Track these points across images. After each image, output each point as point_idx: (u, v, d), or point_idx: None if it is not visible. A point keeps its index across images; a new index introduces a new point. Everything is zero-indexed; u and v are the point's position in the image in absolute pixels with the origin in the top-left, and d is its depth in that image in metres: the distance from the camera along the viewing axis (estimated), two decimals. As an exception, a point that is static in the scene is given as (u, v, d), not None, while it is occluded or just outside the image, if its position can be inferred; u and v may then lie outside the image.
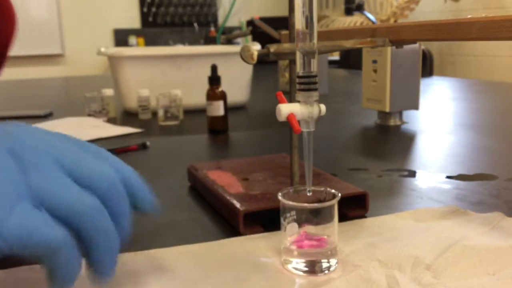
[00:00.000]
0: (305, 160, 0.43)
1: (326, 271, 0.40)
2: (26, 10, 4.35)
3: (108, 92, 1.28)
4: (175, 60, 1.32)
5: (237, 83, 1.35)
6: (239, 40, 4.09)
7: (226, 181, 0.59)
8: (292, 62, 0.49)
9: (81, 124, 1.16)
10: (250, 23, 1.69)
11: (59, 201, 0.32)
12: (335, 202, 0.41)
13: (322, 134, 1.01)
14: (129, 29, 4.76)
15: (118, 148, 0.88)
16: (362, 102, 1.12)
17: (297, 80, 0.43)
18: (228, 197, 0.53)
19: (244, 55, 0.47)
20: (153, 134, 1.08)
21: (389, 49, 1.01)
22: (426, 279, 0.38)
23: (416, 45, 1.03)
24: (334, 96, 1.61)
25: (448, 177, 0.68)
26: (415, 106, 1.07)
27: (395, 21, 3.59)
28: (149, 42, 4.72)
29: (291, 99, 0.49)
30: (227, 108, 1.06)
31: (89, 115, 1.26)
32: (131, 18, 4.80)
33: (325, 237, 0.42)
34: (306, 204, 0.41)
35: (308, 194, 0.43)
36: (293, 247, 0.42)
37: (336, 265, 0.41)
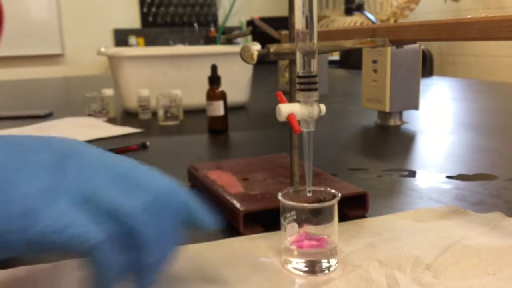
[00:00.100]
0: (305, 160, 0.43)
1: (326, 271, 0.40)
2: (26, 10, 4.35)
3: (108, 92, 1.28)
4: (175, 60, 1.32)
5: (237, 83, 1.35)
6: (239, 40, 4.08)
7: (226, 181, 0.59)
8: (292, 62, 0.49)
9: (81, 124, 1.16)
10: (250, 23, 1.69)
11: (105, 199, 0.31)
12: (335, 202, 0.41)
13: (322, 134, 1.01)
14: (129, 29, 4.76)
15: (118, 148, 0.88)
16: (362, 102, 1.12)
17: (297, 80, 0.43)
18: (228, 197, 0.53)
19: (244, 55, 0.47)
20: (153, 134, 1.08)
21: (389, 49, 1.01)
22: (426, 279, 0.38)
23: (416, 45, 1.03)
24: (334, 96, 1.61)
25: (448, 177, 0.68)
26: (415, 106, 1.07)
27: (395, 21, 3.59)
28: (149, 42, 4.71)
29: (291, 99, 0.49)
30: (227, 108, 1.06)
31: (89, 115, 1.26)
32: (131, 18, 4.79)
33: (325, 237, 0.42)
34: (306, 204, 0.41)
35: (308, 194, 0.43)
36: (293, 247, 0.42)
37: (336, 265, 0.41)
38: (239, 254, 0.44)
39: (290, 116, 0.42)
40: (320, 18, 4.03)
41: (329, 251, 0.41)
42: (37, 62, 4.47)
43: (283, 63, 1.67)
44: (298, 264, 0.41)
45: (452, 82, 2.11)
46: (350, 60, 2.89)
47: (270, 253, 0.44)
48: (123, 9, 4.74)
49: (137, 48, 3.05)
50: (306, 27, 0.42)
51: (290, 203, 0.41)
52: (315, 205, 0.41)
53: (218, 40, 1.94)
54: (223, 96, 1.04)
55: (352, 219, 0.52)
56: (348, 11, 3.74)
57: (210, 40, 4.72)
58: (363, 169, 0.74)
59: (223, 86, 1.05)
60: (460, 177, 0.68)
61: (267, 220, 0.49)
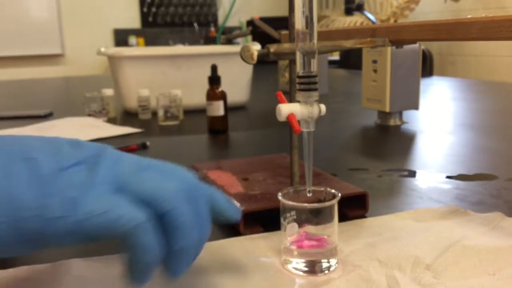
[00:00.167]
0: (305, 160, 0.43)
1: (326, 271, 0.40)
2: (26, 10, 4.35)
3: (108, 92, 1.28)
4: (175, 60, 1.32)
5: (237, 83, 1.35)
6: (239, 40, 4.09)
7: (226, 181, 0.59)
8: (292, 62, 0.49)
9: (81, 124, 1.16)
10: (250, 23, 1.69)
11: (140, 187, 0.32)
12: (335, 202, 0.41)
13: (322, 134, 1.01)
14: (129, 29, 4.76)
15: (118, 148, 0.88)
16: (362, 102, 1.12)
17: (297, 80, 0.43)
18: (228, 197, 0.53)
19: (244, 55, 0.47)
20: (153, 134, 1.08)
21: (389, 49, 1.01)
22: (426, 279, 0.38)
23: (416, 45, 1.03)
24: (334, 96, 1.61)
25: (448, 177, 0.68)
26: (415, 106, 1.07)
27: (395, 21, 3.59)
28: (149, 42, 4.72)
29: (291, 99, 0.49)
30: (227, 108, 1.06)
31: (89, 115, 1.26)
32: (131, 18, 4.80)
33: (325, 237, 0.42)
34: (306, 204, 0.41)
35: (308, 194, 0.43)
36: (293, 247, 0.42)
37: (336, 265, 0.41)
38: (239, 254, 0.44)
39: (290, 116, 0.42)
40: (320, 18, 4.03)
41: (329, 251, 0.41)
42: (37, 62, 4.48)
43: (283, 63, 1.67)
44: (298, 264, 0.41)
45: (452, 82, 2.11)
46: (350, 60, 2.90)
47: (270, 253, 0.44)
48: (123, 9, 4.75)
49: (137, 48, 3.05)
50: (306, 27, 0.42)
51: (290, 203, 0.41)
52: (315, 205, 0.41)
53: (218, 40, 1.94)
54: (223, 96, 1.05)
55: (352, 219, 0.52)
56: (348, 11, 3.74)
57: (210, 40, 4.72)
58: (363, 169, 0.74)
59: (223, 86, 1.05)
60: (460, 177, 0.68)
61: (267, 220, 0.49)
